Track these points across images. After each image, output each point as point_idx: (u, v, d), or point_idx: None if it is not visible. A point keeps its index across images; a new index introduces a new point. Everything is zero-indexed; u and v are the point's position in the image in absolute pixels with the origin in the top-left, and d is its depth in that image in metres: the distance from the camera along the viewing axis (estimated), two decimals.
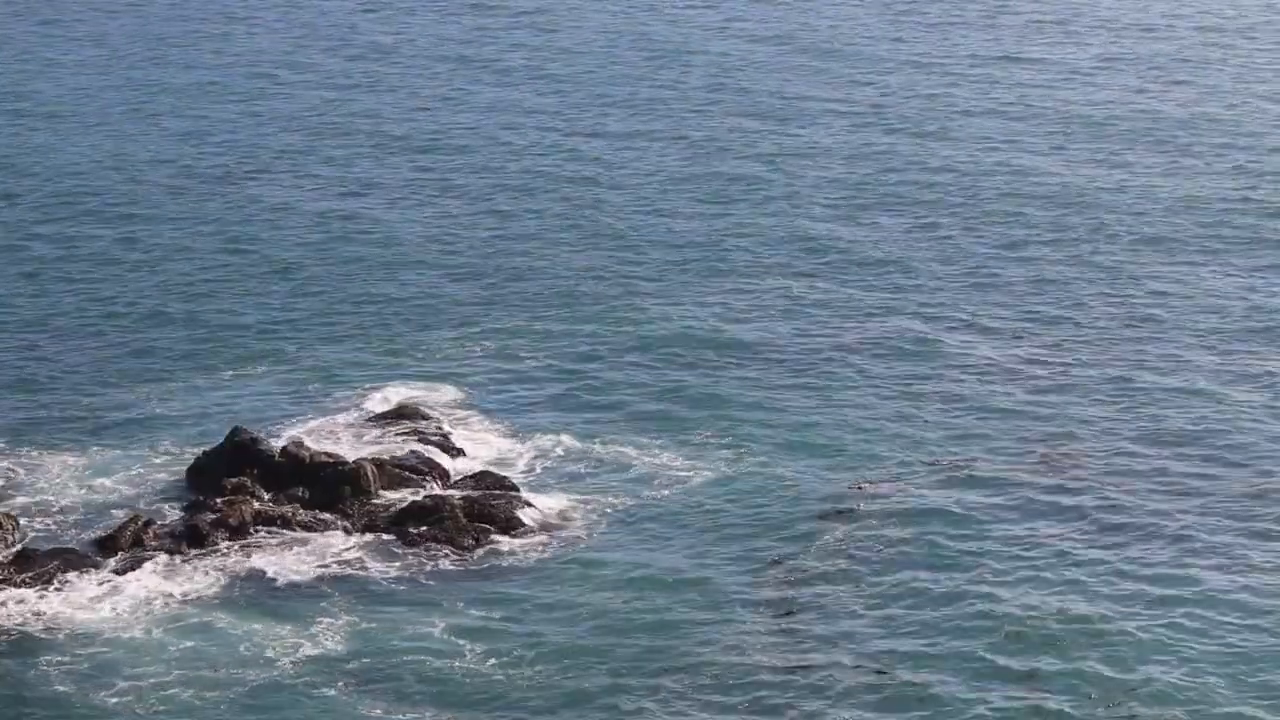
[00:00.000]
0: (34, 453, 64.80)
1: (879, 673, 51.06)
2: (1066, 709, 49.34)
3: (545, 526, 59.66)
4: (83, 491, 62.17)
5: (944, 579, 56.12)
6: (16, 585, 55.69)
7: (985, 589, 55.42)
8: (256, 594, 55.60)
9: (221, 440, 63.23)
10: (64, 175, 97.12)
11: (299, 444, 63.18)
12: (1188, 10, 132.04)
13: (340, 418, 67.31)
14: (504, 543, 58.57)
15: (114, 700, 50.09)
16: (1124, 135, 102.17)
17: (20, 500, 61.34)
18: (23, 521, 59.50)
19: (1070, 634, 52.78)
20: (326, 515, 60.02)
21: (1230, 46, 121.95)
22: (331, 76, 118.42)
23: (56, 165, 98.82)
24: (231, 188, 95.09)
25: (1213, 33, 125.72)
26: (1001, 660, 51.62)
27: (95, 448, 65.07)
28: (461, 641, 52.86)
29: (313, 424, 66.92)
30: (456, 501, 60.13)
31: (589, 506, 60.89)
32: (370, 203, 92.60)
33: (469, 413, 67.97)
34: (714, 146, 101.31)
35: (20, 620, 54.10)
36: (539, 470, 63.56)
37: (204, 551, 57.80)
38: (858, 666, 51.37)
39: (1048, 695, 49.94)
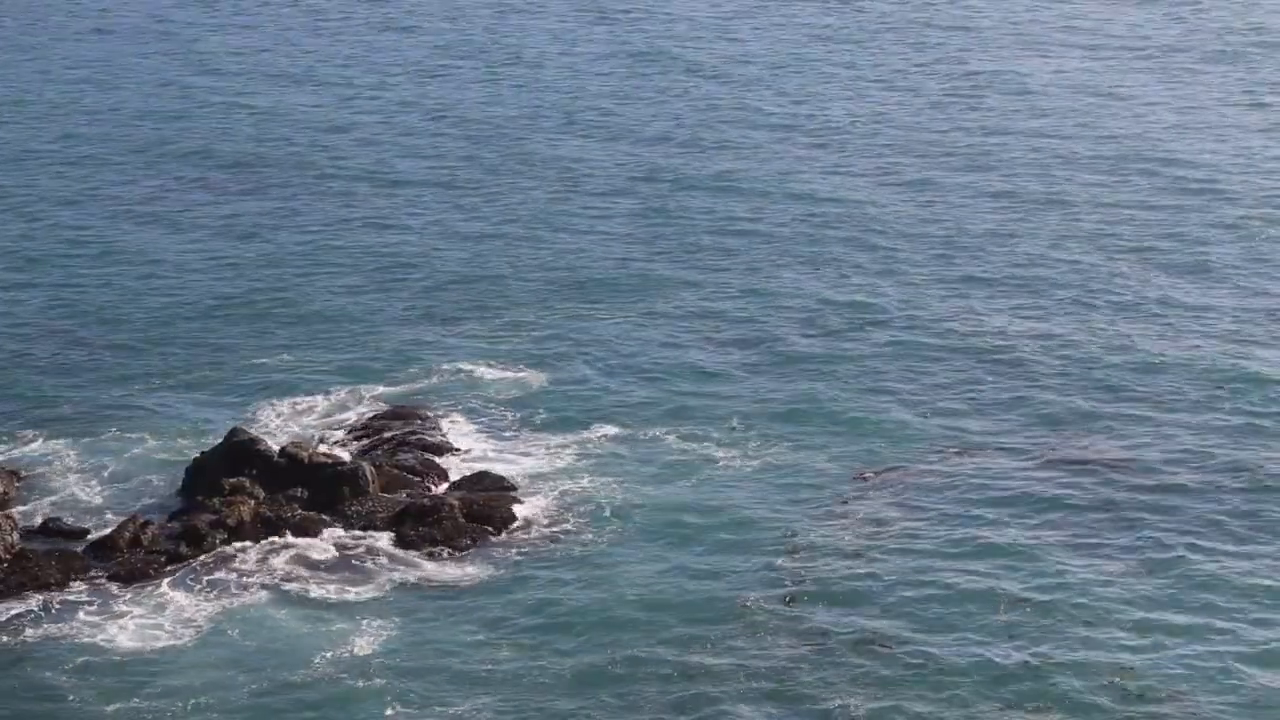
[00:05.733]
0: (31, 453, 64.71)
1: (888, 656, 51.36)
2: (1069, 692, 49.60)
3: (544, 523, 59.52)
4: (81, 491, 62.09)
5: (950, 566, 56.34)
6: (15, 588, 55.52)
7: (991, 576, 55.64)
8: (254, 597, 55.40)
9: (220, 440, 63.08)
10: (65, 172, 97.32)
11: (298, 444, 63.06)
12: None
13: (340, 418, 67.27)
14: (503, 541, 58.41)
15: (113, 709, 49.74)
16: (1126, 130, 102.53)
17: (18, 501, 61.17)
18: (21, 522, 59.28)
19: (1072, 619, 53.03)
20: (325, 516, 59.86)
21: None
22: (345, 71, 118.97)
23: (58, 163, 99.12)
24: (235, 185, 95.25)
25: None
26: (1006, 645, 51.84)
27: (93, 447, 64.92)
28: (469, 641, 52.73)
29: (312, 424, 66.85)
30: (454, 502, 60.02)
31: (588, 501, 60.76)
32: (378, 200, 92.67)
33: (470, 411, 67.88)
34: (727, 144, 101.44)
35: (20, 625, 53.86)
36: (539, 466, 63.40)
37: (202, 553, 57.61)
38: (867, 651, 51.59)
39: (1049, 679, 50.19)
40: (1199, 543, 57.38)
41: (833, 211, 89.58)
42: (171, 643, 52.78)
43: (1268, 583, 54.84)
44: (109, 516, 60.14)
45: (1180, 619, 52.95)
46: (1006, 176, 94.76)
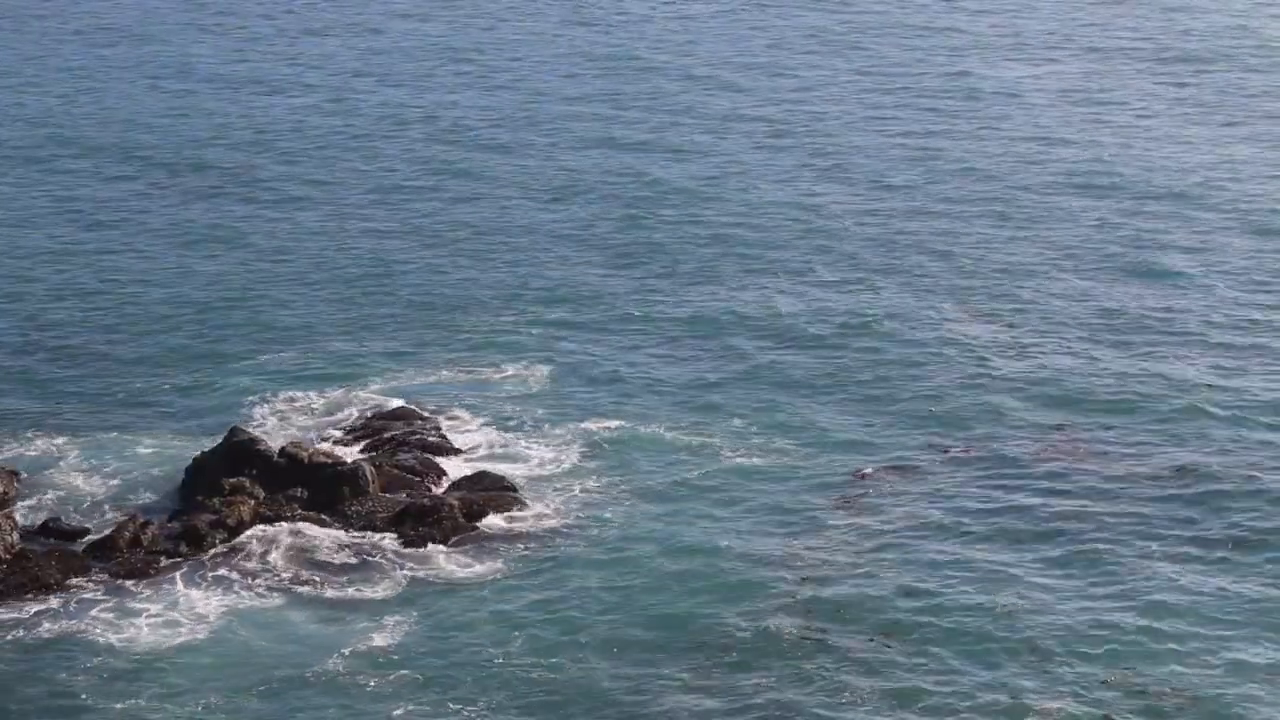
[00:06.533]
0: (32, 452, 64.69)
1: (887, 656, 51.78)
2: (1068, 690, 50.12)
3: (544, 523, 59.65)
4: (81, 492, 62.01)
5: (946, 566, 56.80)
6: (15, 589, 55.47)
7: (987, 575, 56.14)
8: (259, 596, 55.44)
9: (220, 440, 63.09)
10: (59, 175, 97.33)
11: (298, 444, 63.08)
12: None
13: (339, 417, 67.31)
14: (503, 542, 58.54)
15: (125, 707, 49.72)
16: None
17: (18, 501, 61.08)
18: (21, 522, 59.20)
19: (1069, 618, 53.53)
20: (325, 516, 59.89)
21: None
22: (352, 71, 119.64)
23: (51, 166, 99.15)
24: (229, 189, 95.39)
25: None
26: (999, 632, 52.62)
27: (93, 447, 64.87)
28: (473, 640, 52.88)
29: (311, 424, 66.91)
30: (454, 502, 60.14)
31: (588, 501, 60.99)
32: (371, 203, 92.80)
33: (470, 410, 67.93)
34: (728, 148, 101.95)
35: (27, 625, 53.84)
36: (538, 466, 63.64)
37: (202, 553, 57.63)
38: (866, 651, 51.99)
39: (1048, 678, 50.69)
40: (1180, 550, 57.73)
41: (824, 216, 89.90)
42: (183, 641, 52.86)
43: (1248, 591, 55.22)
44: (109, 516, 60.12)
45: (1174, 621, 53.41)
46: (983, 182, 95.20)
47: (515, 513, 59.99)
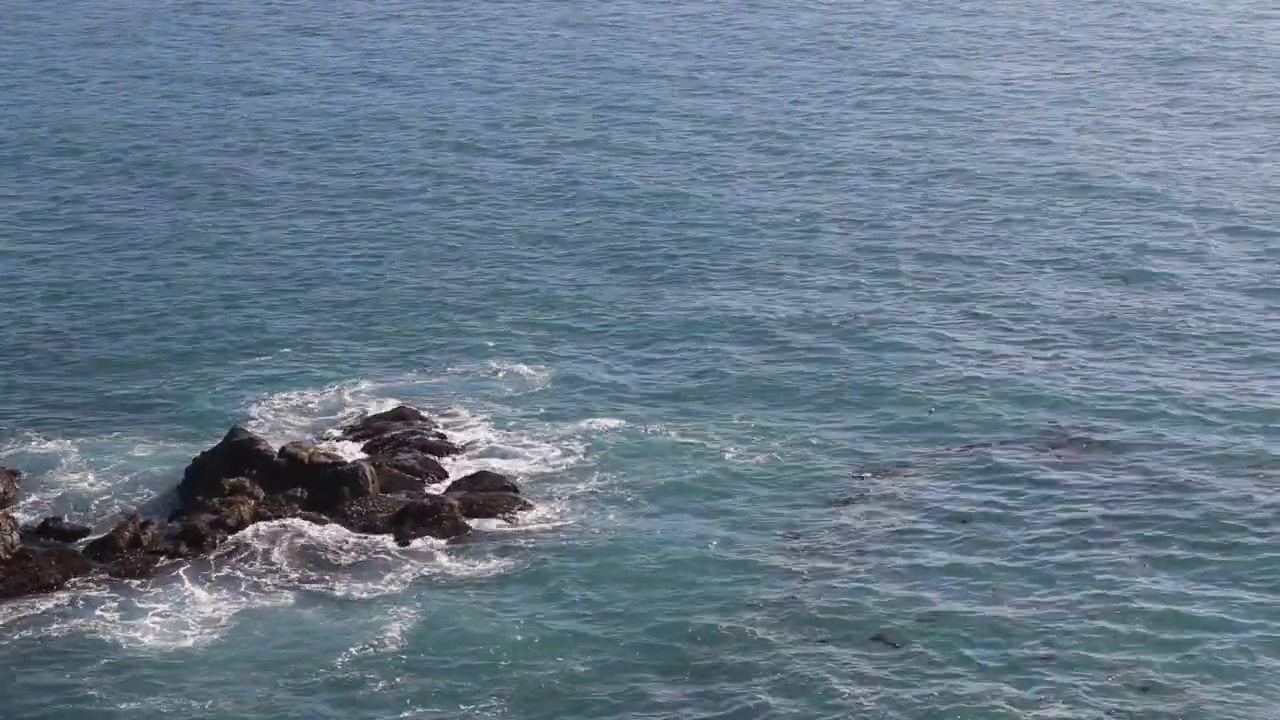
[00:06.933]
0: (31, 452, 64.73)
1: (889, 654, 52.01)
2: (1070, 687, 50.31)
3: (544, 522, 59.80)
4: (81, 491, 62.05)
5: (942, 561, 57.08)
6: (15, 589, 55.51)
7: (987, 573, 56.37)
8: (255, 596, 55.49)
9: (220, 440, 63.15)
10: (54, 177, 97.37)
11: (298, 444, 63.18)
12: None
13: (339, 417, 67.40)
14: (503, 541, 58.65)
15: (130, 708, 49.78)
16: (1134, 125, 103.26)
17: (18, 501, 61.17)
18: (21, 522, 59.25)
19: (1065, 611, 53.93)
20: (325, 516, 59.97)
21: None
22: (347, 72, 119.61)
23: (46, 168, 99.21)
24: (243, 187, 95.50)
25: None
26: (997, 635, 52.85)
27: (93, 447, 64.92)
28: (478, 639, 53.02)
29: (311, 424, 66.98)
30: (454, 502, 60.24)
31: (589, 500, 61.14)
32: (369, 205, 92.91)
33: (469, 410, 68.06)
34: (723, 150, 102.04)
35: (28, 625, 53.91)
36: (539, 465, 63.75)
37: (202, 553, 57.69)
38: (868, 648, 52.27)
39: (1044, 668, 51.10)
40: (1176, 552, 57.86)
41: (819, 219, 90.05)
42: (186, 642, 52.97)
43: (1244, 593, 55.42)
44: (109, 516, 60.16)
45: (1171, 623, 53.62)
46: (976, 185, 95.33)
47: (515, 513, 60.15)
